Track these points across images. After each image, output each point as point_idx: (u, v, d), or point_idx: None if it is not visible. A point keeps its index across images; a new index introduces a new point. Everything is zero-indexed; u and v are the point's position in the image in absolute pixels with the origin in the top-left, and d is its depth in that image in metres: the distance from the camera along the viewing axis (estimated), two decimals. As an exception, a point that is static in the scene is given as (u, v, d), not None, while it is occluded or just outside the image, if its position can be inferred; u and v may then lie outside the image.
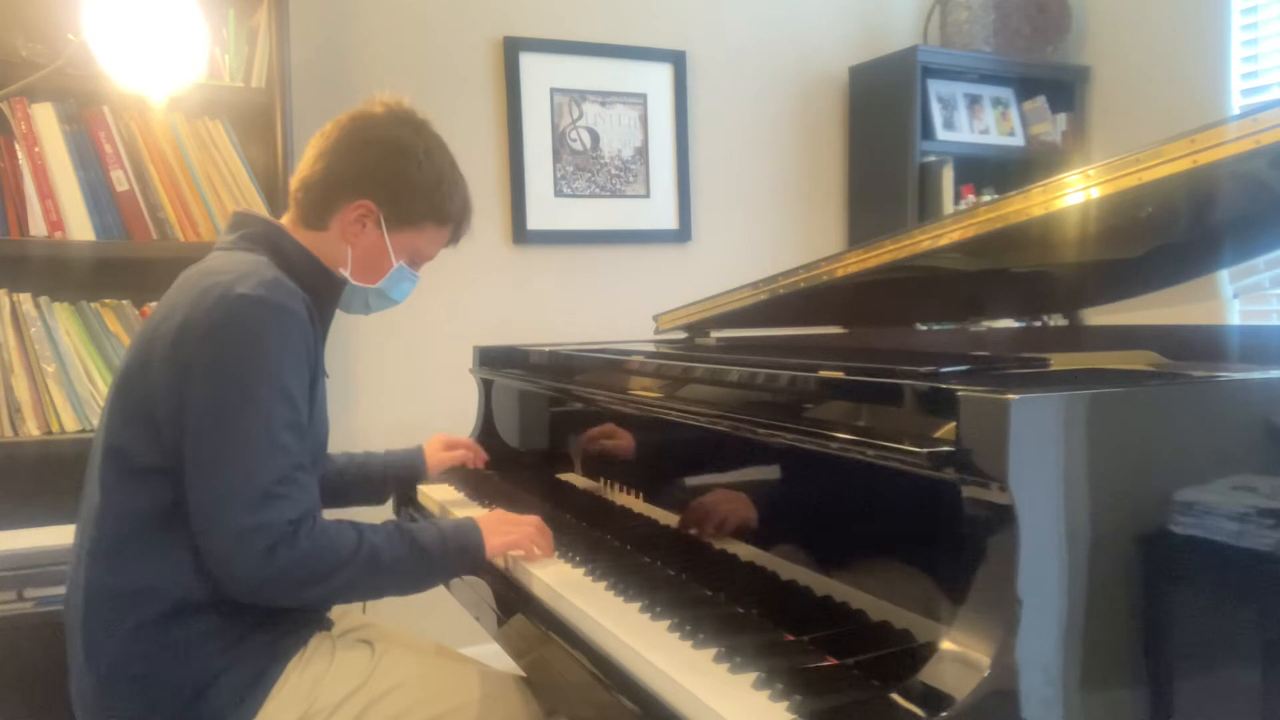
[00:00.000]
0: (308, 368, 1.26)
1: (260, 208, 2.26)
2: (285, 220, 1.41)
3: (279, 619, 1.26)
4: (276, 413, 1.18)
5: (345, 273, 1.40)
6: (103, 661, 1.21)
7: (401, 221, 1.40)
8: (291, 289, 1.26)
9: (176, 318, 1.22)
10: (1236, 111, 2.83)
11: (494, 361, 2.01)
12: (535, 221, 2.87)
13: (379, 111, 1.40)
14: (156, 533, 1.21)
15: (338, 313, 1.47)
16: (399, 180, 1.37)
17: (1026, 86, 3.27)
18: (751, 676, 0.90)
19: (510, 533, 1.35)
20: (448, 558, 1.30)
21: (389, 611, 1.58)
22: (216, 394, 1.17)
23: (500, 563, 1.40)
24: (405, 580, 1.28)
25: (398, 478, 1.78)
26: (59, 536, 1.90)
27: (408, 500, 1.90)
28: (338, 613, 1.44)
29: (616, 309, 2.94)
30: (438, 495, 1.81)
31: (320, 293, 1.38)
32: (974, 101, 3.20)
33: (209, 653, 1.21)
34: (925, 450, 0.82)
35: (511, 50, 2.81)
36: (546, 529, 1.39)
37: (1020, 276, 1.74)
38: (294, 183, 1.40)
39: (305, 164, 1.40)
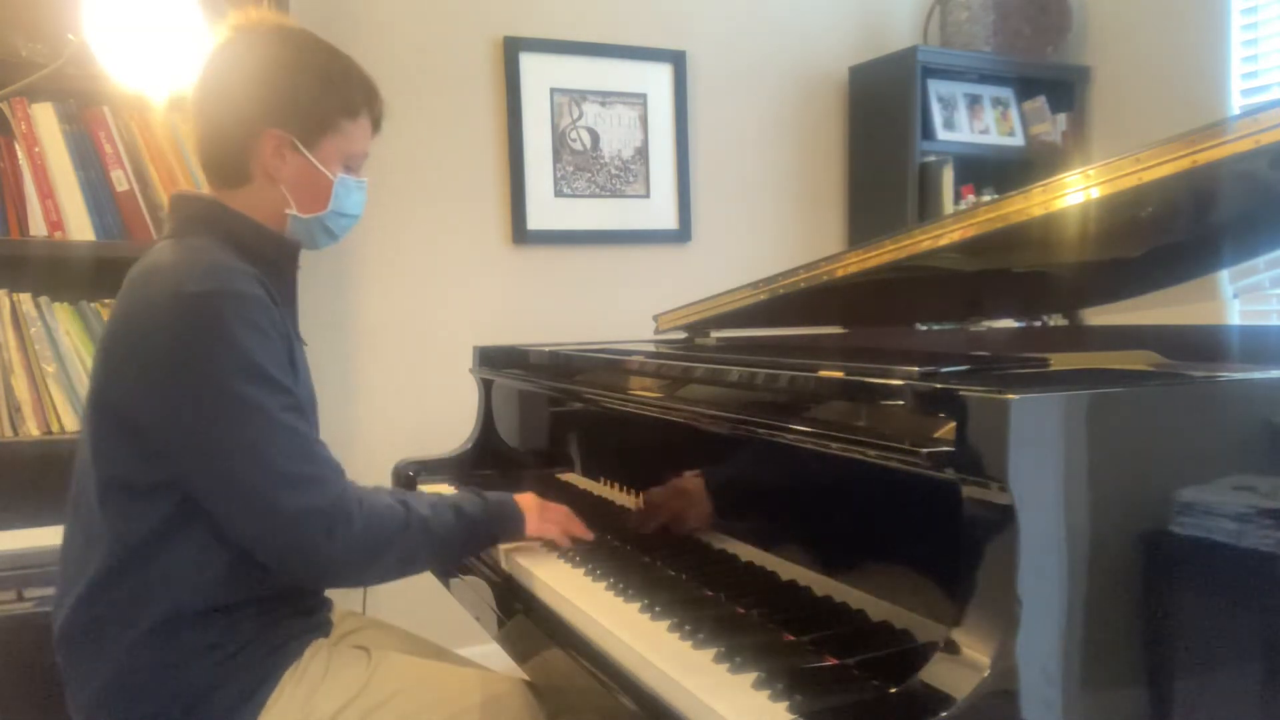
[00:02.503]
0: (281, 346, 1.21)
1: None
2: (212, 191, 1.33)
3: (277, 629, 1.25)
4: (270, 402, 1.15)
5: (291, 211, 1.32)
6: (100, 675, 1.19)
7: (316, 132, 1.29)
8: (239, 269, 1.20)
9: (134, 327, 1.18)
10: (1236, 111, 2.83)
11: (494, 361, 2.01)
12: (535, 221, 2.87)
13: (232, 36, 1.30)
14: (155, 549, 1.18)
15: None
16: (289, 94, 1.27)
17: (1026, 86, 3.27)
18: (751, 676, 0.90)
19: (547, 525, 1.39)
20: (492, 528, 1.33)
21: (390, 613, 1.58)
22: (204, 406, 1.13)
23: (502, 563, 1.40)
24: (454, 550, 1.31)
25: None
26: (59, 537, 1.89)
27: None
28: (336, 615, 1.43)
29: (616, 309, 2.94)
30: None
31: (272, 257, 1.31)
32: (974, 101, 3.20)
33: (206, 666, 1.19)
34: (925, 450, 0.82)
35: (511, 50, 2.81)
36: (576, 519, 1.42)
37: (1020, 276, 1.74)
38: (194, 152, 1.33)
39: (193, 126, 1.31)
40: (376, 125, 1.38)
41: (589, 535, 1.41)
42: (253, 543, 1.16)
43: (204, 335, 1.14)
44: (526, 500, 1.40)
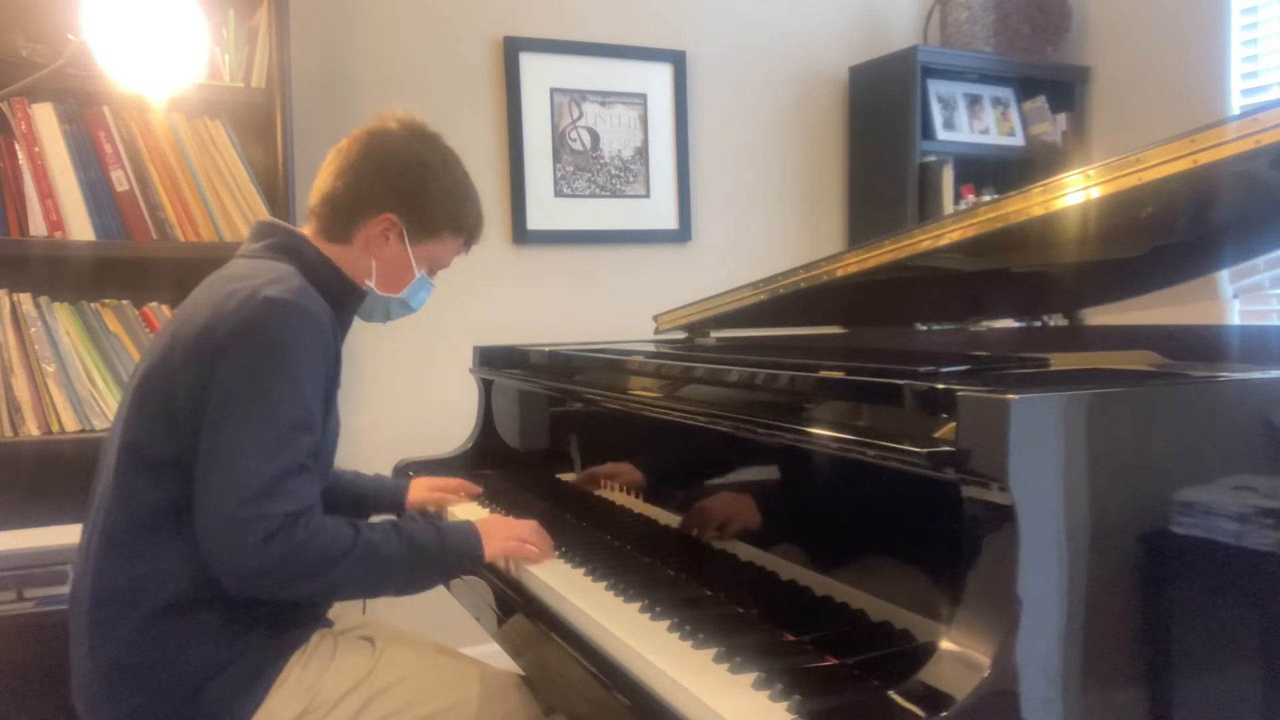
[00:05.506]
0: (324, 375, 1.28)
1: (261, 208, 2.26)
2: (307, 232, 1.44)
3: (282, 616, 1.27)
4: (288, 410, 1.19)
5: (370, 283, 1.44)
6: (107, 655, 1.22)
7: (423, 233, 1.44)
8: (317, 297, 1.30)
9: (200, 319, 1.24)
10: (1236, 111, 2.83)
11: (494, 361, 2.01)
12: (535, 221, 2.87)
13: (395, 128, 1.44)
14: (166, 527, 1.21)
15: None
16: (421, 194, 1.42)
17: (1026, 86, 3.27)
18: (751, 676, 0.90)
19: (508, 539, 1.37)
20: (445, 559, 1.32)
21: (389, 611, 1.58)
22: (233, 387, 1.19)
23: (501, 563, 1.40)
24: (402, 579, 1.29)
25: (377, 504, 1.75)
26: (59, 536, 1.90)
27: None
28: (338, 611, 1.44)
29: (616, 309, 2.94)
30: (438, 495, 1.81)
31: (342, 303, 1.41)
32: (974, 101, 3.20)
33: (212, 647, 1.22)
34: (925, 450, 0.82)
35: (511, 50, 2.81)
36: (544, 532, 1.40)
37: (1020, 276, 1.74)
38: (315, 197, 1.43)
39: (326, 179, 1.43)
40: (466, 248, 1.53)
41: (551, 555, 1.38)
42: (197, 527, 1.17)
43: (264, 333, 1.21)
44: (487, 524, 1.39)
